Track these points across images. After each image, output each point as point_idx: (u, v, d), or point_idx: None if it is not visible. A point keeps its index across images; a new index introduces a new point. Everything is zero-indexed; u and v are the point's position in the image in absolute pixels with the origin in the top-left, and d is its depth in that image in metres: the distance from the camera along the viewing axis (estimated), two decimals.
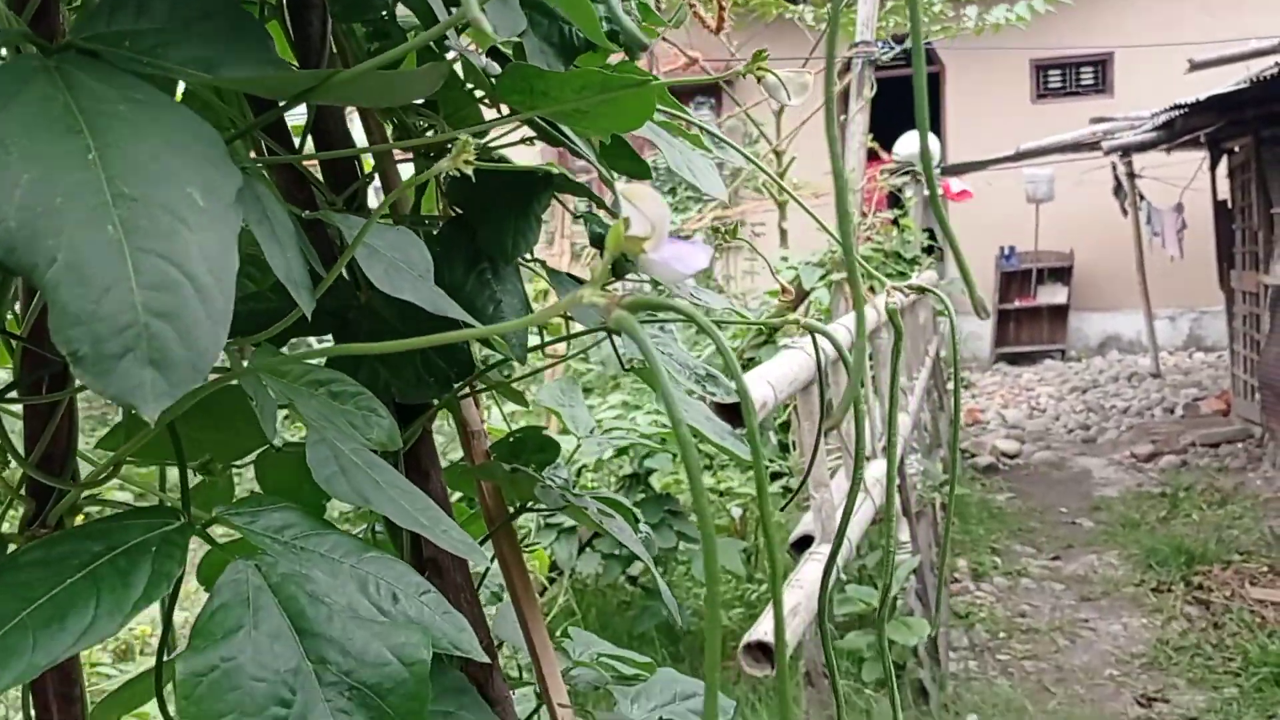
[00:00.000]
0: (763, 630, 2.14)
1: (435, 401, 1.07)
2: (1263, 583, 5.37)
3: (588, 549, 4.42)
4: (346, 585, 0.62)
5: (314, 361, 0.79)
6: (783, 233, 5.51)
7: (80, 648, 0.51)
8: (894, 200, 8.21)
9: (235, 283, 0.47)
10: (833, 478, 3.43)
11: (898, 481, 4.24)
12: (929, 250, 8.21)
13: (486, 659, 0.67)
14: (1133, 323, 12.32)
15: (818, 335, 1.13)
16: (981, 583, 5.81)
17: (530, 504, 1.11)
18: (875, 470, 3.64)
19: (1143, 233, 11.18)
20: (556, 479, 1.16)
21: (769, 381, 2.22)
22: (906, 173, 8.31)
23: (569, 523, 4.24)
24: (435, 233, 0.92)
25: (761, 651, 2.12)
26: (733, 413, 2.09)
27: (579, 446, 1.52)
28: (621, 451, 4.27)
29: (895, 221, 7.47)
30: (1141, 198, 11.11)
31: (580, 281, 1.00)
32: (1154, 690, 4.42)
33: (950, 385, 9.75)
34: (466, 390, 1.11)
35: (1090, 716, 4.15)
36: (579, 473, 4.66)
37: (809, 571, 2.55)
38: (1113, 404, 10.15)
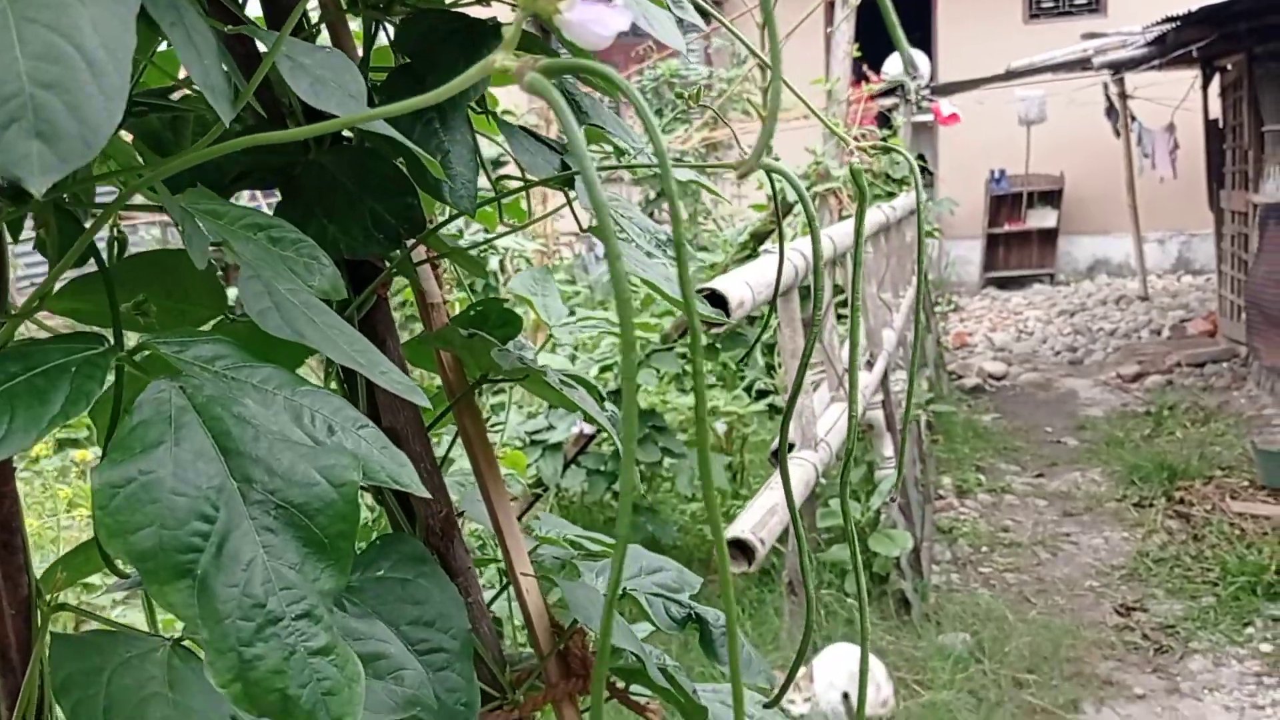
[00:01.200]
0: (739, 528, 2.14)
1: (389, 266, 1.05)
2: (1243, 496, 5.41)
3: (573, 465, 4.43)
4: (279, 416, 0.60)
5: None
6: (768, 149, 5.45)
7: None
8: (883, 121, 8.13)
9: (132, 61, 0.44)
10: (815, 390, 3.43)
11: (880, 397, 4.24)
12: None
13: (426, 493, 0.65)
14: (1122, 246, 12.30)
15: (788, 249, 1.10)
16: (966, 499, 5.85)
17: (490, 374, 1.09)
18: (859, 383, 3.64)
19: (1134, 155, 11.10)
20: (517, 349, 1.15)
21: (747, 282, 2.20)
22: (894, 92, 8.21)
23: (554, 438, 4.25)
24: (380, 84, 0.89)
25: (738, 549, 2.12)
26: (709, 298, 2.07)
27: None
28: (605, 369, 4.27)
29: (884, 141, 7.42)
30: (1133, 118, 11.01)
31: (537, 137, 0.98)
32: (1133, 600, 4.47)
33: (936, 308, 9.75)
34: (424, 258, 1.09)
35: (1069, 625, 4.20)
36: None
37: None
38: (1100, 326, 10.17)
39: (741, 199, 8.78)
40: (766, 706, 1.08)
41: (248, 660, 0.50)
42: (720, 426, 4.93)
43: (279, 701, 0.51)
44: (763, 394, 5.14)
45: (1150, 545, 5.00)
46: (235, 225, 0.73)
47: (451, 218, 0.96)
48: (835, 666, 3.46)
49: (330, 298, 0.77)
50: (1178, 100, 10.17)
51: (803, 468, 2.60)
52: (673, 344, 4.28)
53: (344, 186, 0.90)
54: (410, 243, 0.98)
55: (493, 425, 4.68)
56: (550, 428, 4.29)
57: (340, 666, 0.54)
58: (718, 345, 4.44)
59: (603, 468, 4.35)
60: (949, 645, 3.96)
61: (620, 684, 1.19)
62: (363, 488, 1.11)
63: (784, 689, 1.04)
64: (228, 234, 0.71)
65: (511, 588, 1.14)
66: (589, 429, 4.26)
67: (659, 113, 9.26)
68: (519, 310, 1.21)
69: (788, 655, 3.82)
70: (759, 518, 2.23)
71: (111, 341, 0.59)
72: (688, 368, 4.95)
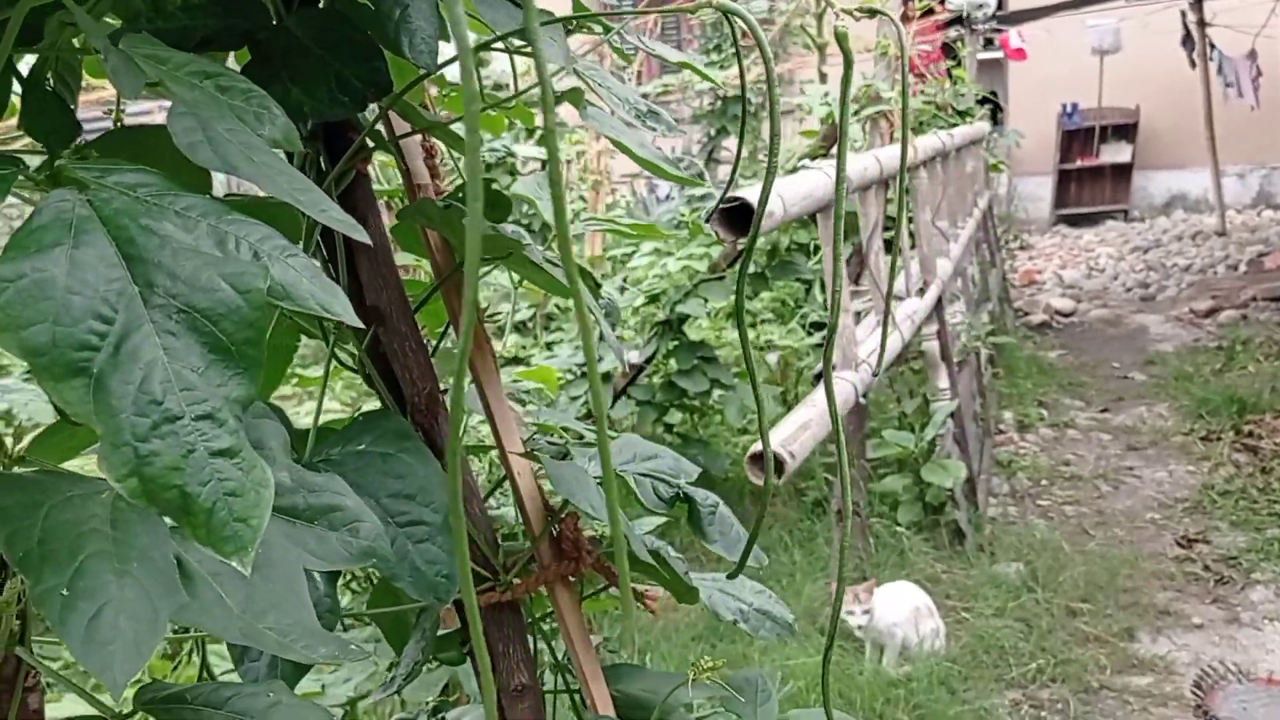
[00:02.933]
0: (772, 441, 2.12)
1: (368, 141, 1.04)
2: None
3: (622, 397, 4.43)
4: (202, 240, 0.60)
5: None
6: (822, 76, 5.35)
7: None
8: (949, 52, 7.93)
9: None
10: (862, 319, 3.38)
11: (935, 327, 4.16)
12: (985, 102, 7.98)
13: (360, 323, 0.64)
14: (1199, 181, 11.91)
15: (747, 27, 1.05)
16: (1026, 434, 5.76)
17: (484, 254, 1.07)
18: (907, 308, 3.58)
19: (1214, 84, 10.70)
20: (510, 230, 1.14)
21: (779, 193, 2.16)
22: (960, 21, 8.01)
23: (602, 368, 4.25)
24: None
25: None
26: (735, 216, 2.04)
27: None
28: (653, 299, 4.24)
29: (949, 73, 7.26)
30: (1212, 47, 10.61)
31: None
32: (1195, 532, 4.37)
33: (1004, 245, 9.54)
34: (409, 130, 1.08)
35: (1128, 556, 4.13)
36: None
37: (822, 394, 2.52)
38: (1174, 262, 9.89)
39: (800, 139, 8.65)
40: (729, 577, 1.07)
41: (143, 455, 0.50)
42: (772, 359, 4.89)
43: (177, 498, 0.51)
44: (819, 326, 5.08)
45: (1216, 478, 4.88)
46: (180, 71, 0.72)
47: (419, 79, 0.94)
48: (894, 601, 3.43)
49: (283, 148, 0.77)
50: (1258, 26, 9.77)
51: (841, 386, 2.57)
52: (722, 274, 4.24)
53: (310, 50, 0.89)
54: (375, 110, 0.96)
55: (548, 358, 4.69)
56: (601, 359, 4.29)
57: (245, 470, 0.53)
58: (767, 274, 4.38)
59: (652, 399, 4.34)
60: (1002, 574, 3.91)
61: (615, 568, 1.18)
62: (349, 368, 1.11)
63: (741, 564, 1.03)
64: (169, 77, 0.70)
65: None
66: (637, 359, 4.25)
67: (717, 48, 9.13)
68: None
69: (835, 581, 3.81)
70: (790, 432, 2.21)
71: (22, 162, 0.59)
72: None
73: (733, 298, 5.23)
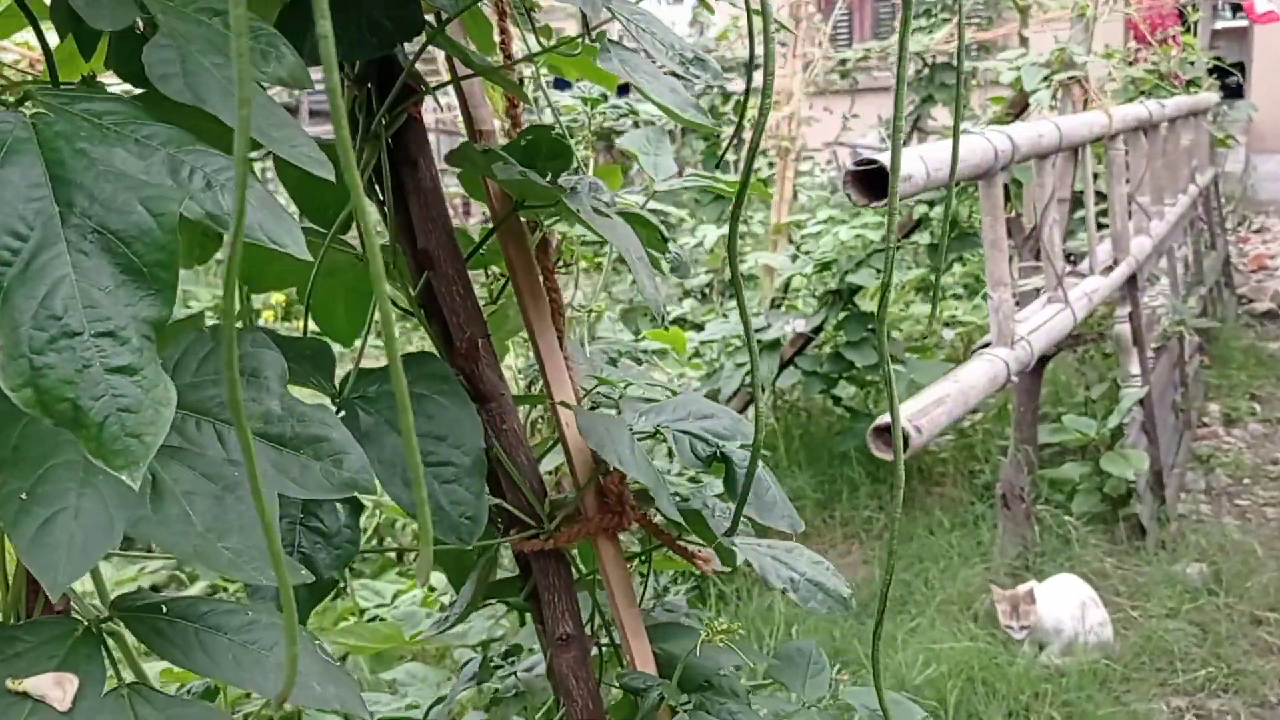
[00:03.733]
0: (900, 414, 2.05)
1: (424, 86, 1.05)
2: None
3: (790, 366, 4.37)
4: (154, 168, 0.62)
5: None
6: (1023, 39, 5.10)
7: None
8: (1182, 18, 7.42)
9: None
10: (1021, 305, 3.22)
11: (1128, 309, 3.92)
12: (1218, 72, 7.45)
13: (307, 255, 0.65)
14: None
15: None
16: (1233, 428, 5.36)
17: (528, 200, 1.08)
18: (1086, 286, 3.38)
19: None
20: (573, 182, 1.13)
21: (922, 157, 2.07)
22: None
23: (768, 336, 4.20)
24: None
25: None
26: (873, 180, 1.97)
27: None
28: (824, 267, 4.16)
29: (1177, 39, 6.81)
30: None
31: None
32: None
33: (1228, 225, 8.88)
34: (468, 72, 1.08)
35: None
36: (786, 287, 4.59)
37: (970, 369, 2.41)
38: None
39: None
40: (726, 534, 1.04)
41: (38, 368, 0.53)
42: (949, 334, 4.72)
43: (70, 411, 0.53)
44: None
45: None
46: (187, 7, 0.75)
47: (455, 14, 0.94)
48: (1057, 597, 3.26)
49: (290, 85, 0.78)
50: None
51: (991, 364, 2.45)
52: (899, 242, 4.10)
53: None
54: (413, 50, 0.97)
55: (722, 324, 4.67)
56: (766, 326, 4.25)
57: (145, 389, 0.55)
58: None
59: (819, 369, 4.27)
60: (1180, 574, 3.67)
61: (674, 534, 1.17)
62: (402, 309, 1.13)
63: (734, 523, 0.99)
64: (169, 11, 0.73)
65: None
66: (804, 327, 4.19)
67: (927, 12, 8.83)
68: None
69: (993, 568, 3.67)
70: (922, 406, 2.12)
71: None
72: (916, 272, 4.76)
73: (918, 270, 5.07)
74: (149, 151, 0.63)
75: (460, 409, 1.01)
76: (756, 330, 4.32)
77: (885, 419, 2.03)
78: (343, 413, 0.98)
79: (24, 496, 0.64)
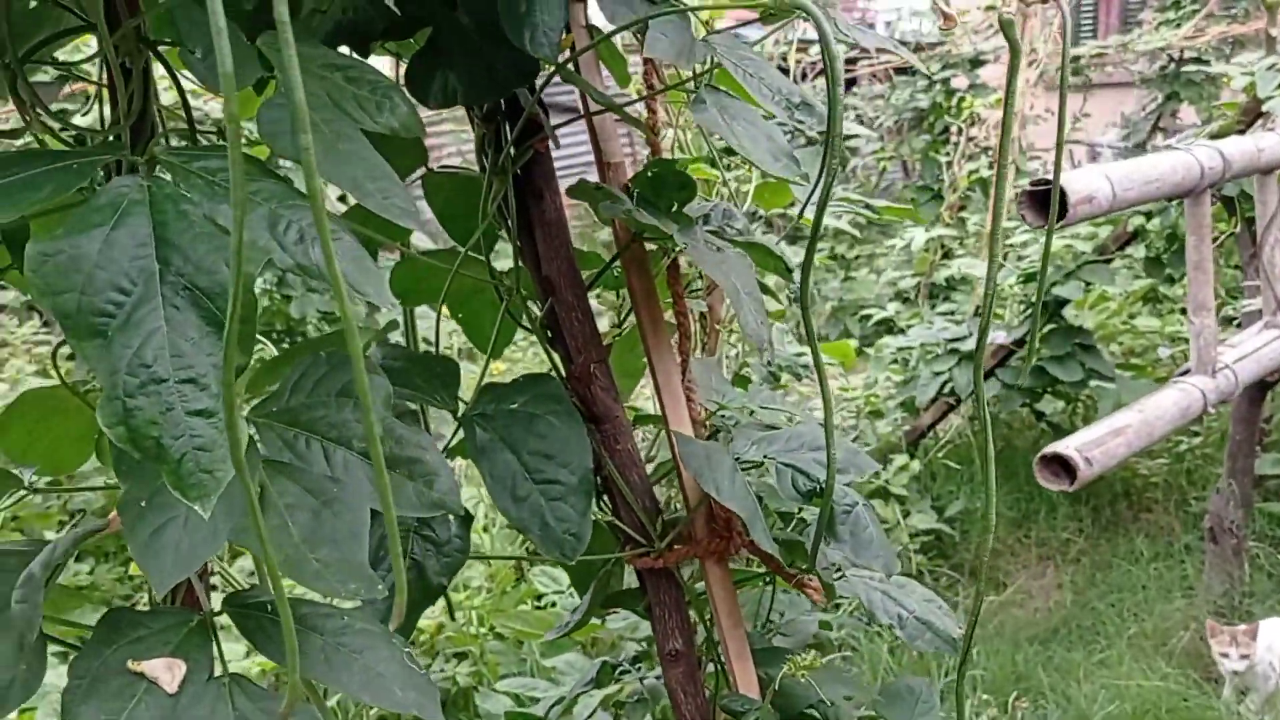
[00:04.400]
0: (1067, 443, 1.98)
1: (547, 121, 1.10)
2: None
3: (992, 376, 4.25)
4: (256, 222, 0.70)
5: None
6: (1270, 41, 4.72)
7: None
8: None
9: None
10: (1242, 327, 3.02)
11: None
12: None
13: (387, 303, 0.72)
14: None
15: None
16: None
17: (646, 233, 1.12)
18: None
19: None
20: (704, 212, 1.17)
21: (1108, 176, 1.99)
22: None
23: (966, 345, 4.10)
24: None
25: (1060, 466, 1.97)
26: (1044, 201, 1.92)
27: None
28: (1029, 278, 4.01)
29: None
30: None
31: None
32: None
33: None
34: (598, 107, 1.12)
35: None
36: None
37: (1159, 399, 2.29)
38: None
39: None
40: (806, 570, 1.04)
41: (129, 409, 0.61)
42: (1164, 352, 4.47)
43: (154, 447, 0.61)
44: (1229, 321, 4.56)
45: None
46: (311, 64, 0.83)
47: (559, 69, 0.99)
48: (1272, 643, 3.05)
49: (402, 134, 0.85)
50: None
51: (1184, 394, 2.32)
52: (1111, 255, 3.92)
53: (470, 38, 0.97)
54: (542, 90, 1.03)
55: (925, 328, 4.57)
56: (967, 335, 4.14)
57: (220, 429, 0.63)
58: (1163, 260, 3.98)
59: (1020, 382, 4.13)
60: None
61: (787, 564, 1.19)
62: (525, 328, 1.19)
63: (812, 559, 1.00)
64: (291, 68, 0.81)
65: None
66: (1006, 339, 4.05)
67: (1175, 4, 8.32)
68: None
69: (1195, 604, 3.46)
70: (1097, 435, 2.04)
71: (125, 150, 0.71)
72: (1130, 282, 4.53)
73: (1143, 281, 4.81)
74: (252, 207, 0.71)
75: (570, 429, 1.06)
76: (957, 340, 4.22)
77: (1056, 446, 1.97)
78: (461, 429, 1.05)
79: (143, 504, 0.73)
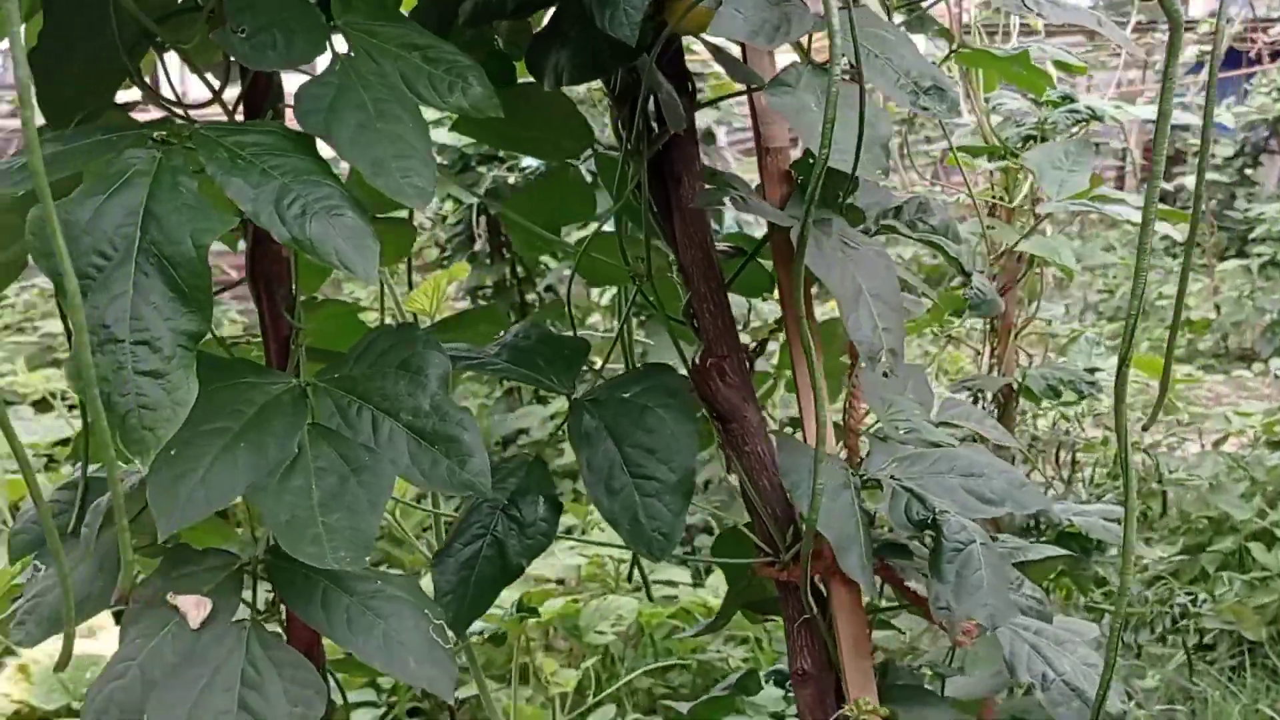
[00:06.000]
0: None
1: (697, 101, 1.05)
2: None
3: None
4: (264, 195, 0.73)
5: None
6: None
7: None
8: None
9: None
10: None
11: None
12: None
13: (372, 280, 0.72)
14: None
15: None
16: None
17: None
18: None
19: None
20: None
21: None
22: None
23: None
24: None
25: None
26: None
27: None
28: None
29: None
30: None
31: None
32: None
33: None
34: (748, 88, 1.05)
35: None
36: None
37: None
38: None
39: None
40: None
41: (85, 364, 0.66)
42: None
43: (104, 402, 0.66)
44: None
45: None
46: (389, 43, 0.85)
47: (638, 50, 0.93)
48: None
49: (473, 115, 0.86)
50: None
51: None
52: None
53: (584, 17, 0.95)
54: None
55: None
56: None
57: (168, 390, 0.66)
58: None
59: None
60: None
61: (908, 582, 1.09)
62: (674, 319, 1.16)
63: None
64: (370, 48, 0.83)
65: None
66: None
67: None
68: None
69: None
70: None
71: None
72: None
73: None
74: (266, 180, 0.74)
75: (679, 425, 1.02)
76: None
77: None
78: (572, 413, 1.04)
79: (172, 453, 0.79)
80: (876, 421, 1.15)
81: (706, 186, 1.05)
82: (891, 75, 0.87)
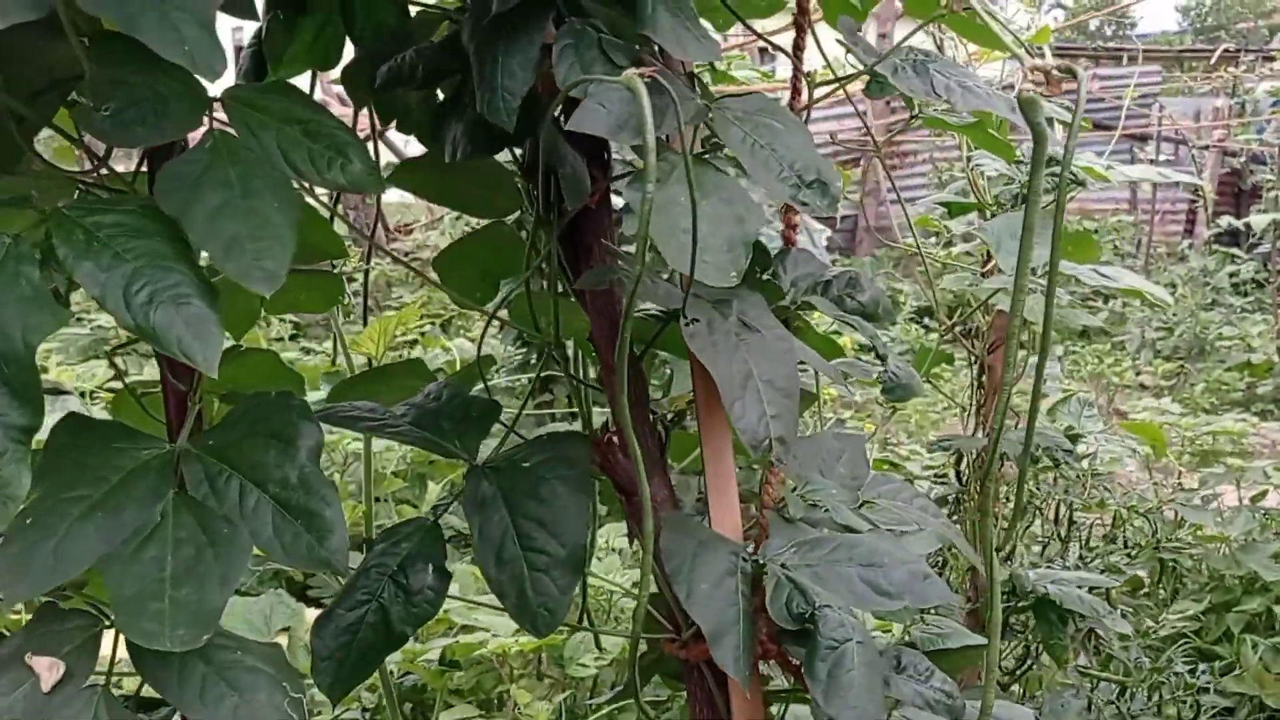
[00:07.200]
0: None
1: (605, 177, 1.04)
2: None
3: None
4: (113, 280, 0.74)
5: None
6: None
7: None
8: None
9: None
10: None
11: None
12: None
13: (214, 374, 0.72)
14: None
15: None
16: None
17: None
18: None
19: None
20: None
21: None
22: None
23: None
24: None
25: None
26: None
27: None
28: None
29: None
30: None
31: None
32: None
33: None
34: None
35: None
36: None
37: None
38: None
39: None
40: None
41: None
42: None
43: None
44: None
45: None
46: (271, 117, 0.85)
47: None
48: None
49: (350, 190, 0.86)
50: None
51: None
52: None
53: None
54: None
55: None
56: None
57: (12, 466, 0.68)
58: None
59: None
60: None
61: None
62: (579, 380, 1.15)
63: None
64: (248, 120, 0.84)
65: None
66: None
67: None
68: None
69: None
70: None
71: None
72: None
73: None
74: (118, 264, 0.75)
75: (573, 498, 1.01)
76: None
77: None
78: (469, 479, 1.04)
79: (29, 521, 0.80)
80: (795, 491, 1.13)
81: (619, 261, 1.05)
82: (775, 168, 0.86)
